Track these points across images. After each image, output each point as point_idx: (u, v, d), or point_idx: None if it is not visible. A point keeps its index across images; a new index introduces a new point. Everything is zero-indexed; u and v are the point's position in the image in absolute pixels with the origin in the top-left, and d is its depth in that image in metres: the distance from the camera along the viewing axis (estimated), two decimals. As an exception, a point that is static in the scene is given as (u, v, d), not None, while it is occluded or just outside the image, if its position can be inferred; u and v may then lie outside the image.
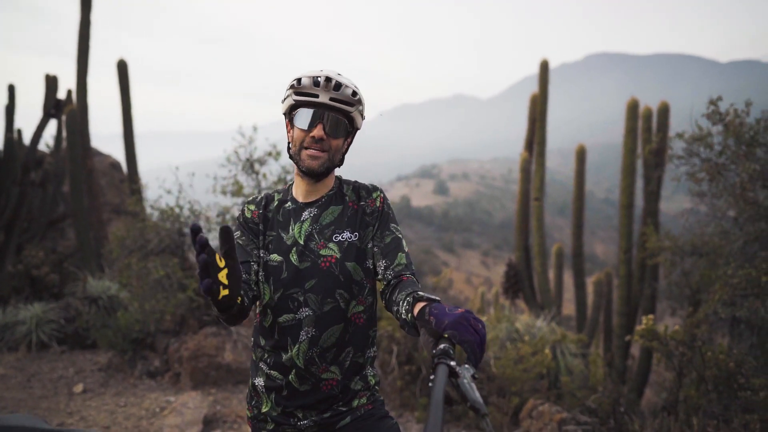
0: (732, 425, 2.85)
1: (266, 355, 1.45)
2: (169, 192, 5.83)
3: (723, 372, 3.05)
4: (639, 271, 6.74)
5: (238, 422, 3.98)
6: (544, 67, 8.28)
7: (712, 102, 4.51)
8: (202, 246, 0.95)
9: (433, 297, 1.16)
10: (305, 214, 1.47)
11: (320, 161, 1.41)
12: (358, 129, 1.49)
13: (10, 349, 5.61)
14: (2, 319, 5.76)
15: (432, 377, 0.91)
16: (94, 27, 8.00)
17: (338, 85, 1.38)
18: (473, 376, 0.93)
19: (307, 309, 1.39)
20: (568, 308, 9.42)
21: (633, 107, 7.02)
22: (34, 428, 0.96)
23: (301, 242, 1.43)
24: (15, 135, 7.40)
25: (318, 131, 1.39)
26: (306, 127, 1.40)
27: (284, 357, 1.41)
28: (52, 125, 8.32)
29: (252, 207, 1.52)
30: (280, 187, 5.79)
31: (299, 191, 1.51)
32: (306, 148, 1.41)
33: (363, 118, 1.49)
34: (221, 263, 1.01)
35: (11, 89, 7.52)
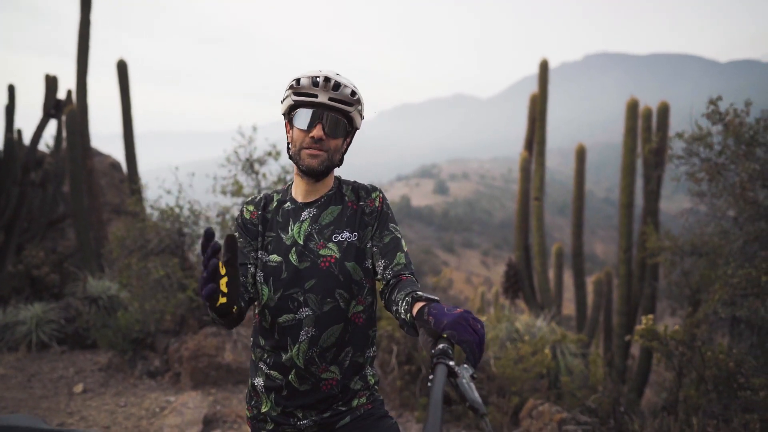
0: (732, 425, 2.85)
1: (266, 355, 1.45)
2: (169, 192, 5.84)
3: (723, 372, 3.05)
4: (639, 270, 6.74)
5: (238, 422, 3.98)
6: (544, 66, 8.28)
7: (712, 102, 4.50)
8: (215, 252, 0.97)
9: (432, 297, 1.17)
10: (304, 214, 1.47)
11: (320, 159, 1.41)
12: (357, 129, 1.49)
13: (10, 349, 5.61)
14: (2, 319, 5.76)
15: (431, 377, 0.91)
16: (94, 27, 7.99)
17: (337, 85, 1.38)
18: (472, 376, 0.93)
19: (306, 309, 1.39)
20: (568, 308, 9.42)
21: (633, 107, 7.02)
22: (34, 428, 0.96)
23: (301, 242, 1.44)
24: (15, 135, 7.39)
25: (317, 131, 1.39)
26: (305, 128, 1.40)
27: (284, 357, 1.41)
28: (52, 125, 8.35)
29: (251, 208, 1.52)
30: (279, 187, 5.79)
31: (298, 191, 1.51)
32: (305, 148, 1.42)
33: (362, 117, 1.50)
34: (222, 270, 1.03)
35: (11, 89, 7.52)
